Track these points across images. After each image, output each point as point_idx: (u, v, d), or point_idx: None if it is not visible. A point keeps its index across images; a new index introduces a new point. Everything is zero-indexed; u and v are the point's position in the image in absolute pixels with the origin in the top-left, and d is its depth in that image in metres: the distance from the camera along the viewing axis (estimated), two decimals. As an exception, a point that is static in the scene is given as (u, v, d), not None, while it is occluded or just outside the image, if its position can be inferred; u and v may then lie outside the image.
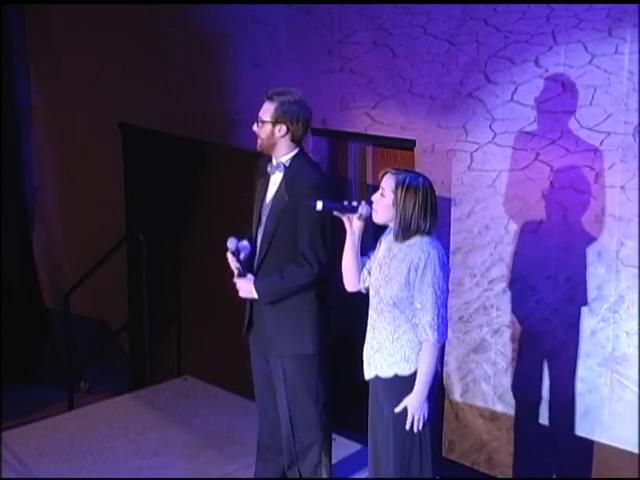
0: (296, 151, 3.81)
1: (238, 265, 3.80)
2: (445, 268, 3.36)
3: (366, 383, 3.59)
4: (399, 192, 3.32)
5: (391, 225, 3.42)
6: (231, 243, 3.79)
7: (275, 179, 3.83)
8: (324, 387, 3.95)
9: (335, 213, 3.44)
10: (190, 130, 5.89)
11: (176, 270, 6.27)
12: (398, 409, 3.38)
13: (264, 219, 3.84)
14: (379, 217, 3.40)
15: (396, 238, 3.38)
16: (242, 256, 3.81)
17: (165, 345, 6.38)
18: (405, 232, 3.35)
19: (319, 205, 3.37)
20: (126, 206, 6.53)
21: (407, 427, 3.37)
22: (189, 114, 5.92)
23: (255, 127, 3.81)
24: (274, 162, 3.83)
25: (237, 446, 4.55)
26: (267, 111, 3.77)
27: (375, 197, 3.40)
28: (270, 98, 3.78)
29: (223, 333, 5.86)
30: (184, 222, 6.09)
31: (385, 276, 3.40)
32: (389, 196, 3.35)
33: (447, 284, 3.37)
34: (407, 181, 3.33)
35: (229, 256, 3.81)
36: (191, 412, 5.26)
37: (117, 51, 6.40)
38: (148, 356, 6.20)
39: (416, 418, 3.37)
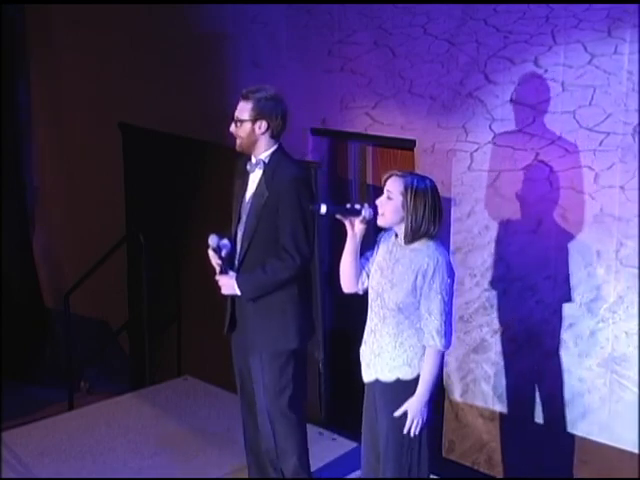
0: (275, 147, 3.81)
1: (220, 262, 3.80)
2: (452, 274, 3.34)
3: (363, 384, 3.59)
4: (409, 195, 3.29)
5: (395, 229, 3.40)
6: (212, 240, 3.78)
7: (254, 177, 3.82)
8: (302, 385, 3.95)
9: (337, 216, 3.39)
10: (190, 130, 5.89)
11: (176, 270, 6.27)
12: (398, 413, 3.37)
13: (244, 217, 3.84)
14: (386, 220, 3.35)
15: (405, 241, 3.35)
16: (224, 253, 3.82)
17: (165, 345, 6.38)
18: (414, 235, 3.32)
19: (323, 209, 3.35)
20: (126, 206, 6.53)
21: (405, 430, 3.36)
22: (189, 114, 5.92)
23: (232, 128, 3.79)
24: (253, 160, 3.82)
25: (237, 446, 4.54)
26: (244, 110, 3.76)
27: (381, 200, 3.36)
28: (245, 97, 3.77)
29: (223, 333, 5.86)
30: (184, 222, 6.09)
31: (389, 281, 3.38)
32: (397, 198, 3.31)
33: (453, 290, 3.36)
34: (416, 184, 3.31)
35: (210, 253, 3.81)
36: (191, 412, 5.26)
37: (117, 51, 6.40)
38: (148, 356, 6.20)
39: (415, 422, 3.36)
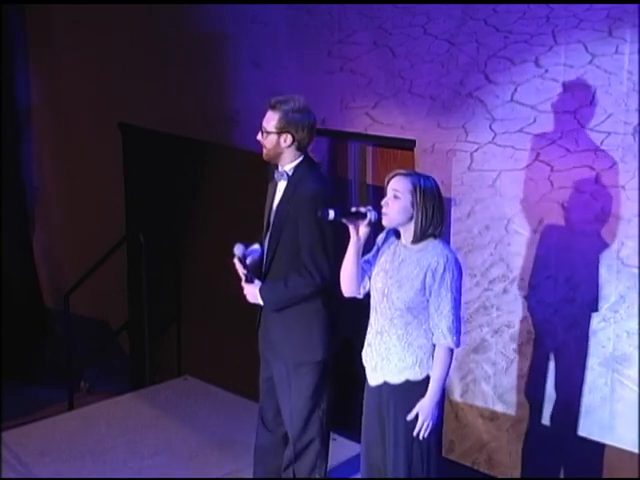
0: (300, 159, 3.79)
1: (245, 271, 3.80)
2: (461, 272, 3.34)
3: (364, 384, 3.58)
4: (418, 193, 3.28)
5: (400, 229, 3.39)
6: (238, 250, 3.77)
7: (281, 186, 3.82)
8: (327, 394, 3.94)
9: (343, 221, 3.35)
10: (190, 130, 5.89)
11: (176, 270, 6.27)
12: (410, 416, 3.35)
13: (271, 226, 3.85)
14: (390, 220, 3.33)
15: (413, 240, 3.34)
16: (249, 261, 3.81)
17: (165, 345, 6.38)
18: (423, 234, 3.31)
19: (331, 214, 3.30)
20: (126, 206, 6.54)
21: (415, 432, 3.34)
22: (189, 114, 5.92)
23: (259, 137, 3.77)
24: (280, 169, 3.82)
25: (237, 446, 4.55)
26: (271, 121, 3.72)
27: (387, 200, 3.33)
28: (273, 107, 3.72)
29: (223, 333, 5.86)
30: (184, 222, 6.09)
31: (396, 281, 3.35)
32: (405, 198, 3.29)
33: (461, 287, 3.35)
34: (423, 183, 3.30)
35: (236, 262, 3.80)
36: (191, 412, 5.26)
37: (117, 51, 6.40)
38: (148, 356, 6.20)
39: (425, 424, 3.34)
